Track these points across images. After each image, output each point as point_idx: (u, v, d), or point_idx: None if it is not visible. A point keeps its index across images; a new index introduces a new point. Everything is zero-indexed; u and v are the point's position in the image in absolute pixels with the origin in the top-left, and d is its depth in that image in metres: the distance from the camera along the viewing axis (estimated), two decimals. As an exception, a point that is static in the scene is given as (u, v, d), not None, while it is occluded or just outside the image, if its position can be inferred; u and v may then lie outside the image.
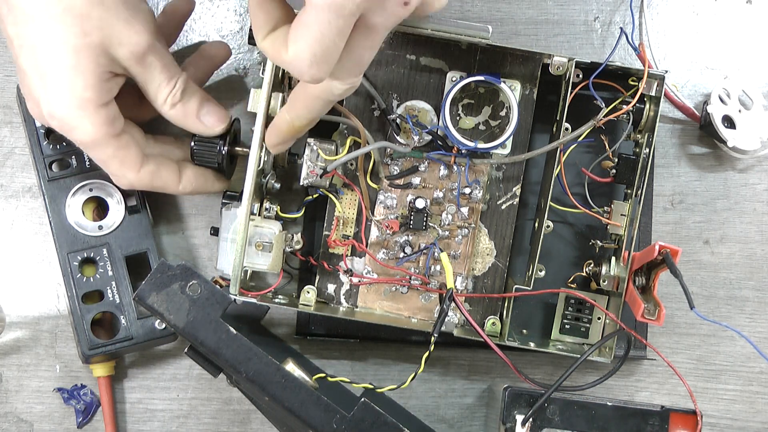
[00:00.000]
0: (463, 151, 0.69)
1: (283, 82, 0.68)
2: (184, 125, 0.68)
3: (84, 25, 0.61)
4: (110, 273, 0.71)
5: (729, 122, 0.76)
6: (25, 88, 0.64)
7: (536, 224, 0.71)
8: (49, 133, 0.71)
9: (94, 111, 0.63)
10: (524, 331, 0.73)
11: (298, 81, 0.62)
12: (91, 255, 0.71)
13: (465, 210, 0.71)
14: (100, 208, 0.73)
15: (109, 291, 0.71)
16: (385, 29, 0.55)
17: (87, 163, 0.72)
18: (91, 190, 0.72)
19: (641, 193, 0.68)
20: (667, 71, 0.69)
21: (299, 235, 0.69)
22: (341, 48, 0.54)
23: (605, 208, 0.70)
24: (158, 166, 0.67)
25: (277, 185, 0.70)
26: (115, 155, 0.65)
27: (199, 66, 0.72)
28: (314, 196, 0.71)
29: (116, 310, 0.71)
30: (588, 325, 0.72)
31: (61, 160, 0.72)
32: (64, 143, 0.71)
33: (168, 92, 0.66)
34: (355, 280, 0.71)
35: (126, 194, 0.72)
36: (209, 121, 0.68)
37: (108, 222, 0.72)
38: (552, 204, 0.69)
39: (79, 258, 0.71)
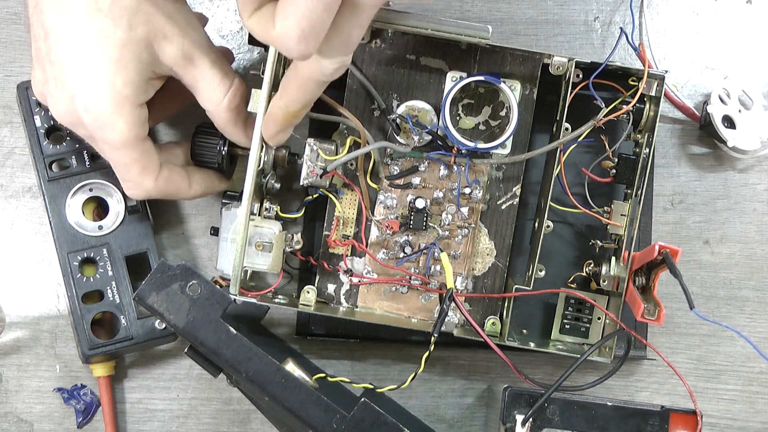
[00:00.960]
0: (463, 151, 0.69)
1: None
2: (230, 131, 0.67)
3: (131, 19, 0.61)
4: (110, 273, 0.71)
5: (729, 122, 0.76)
6: (56, 83, 0.63)
7: (536, 224, 0.71)
8: (49, 133, 0.71)
9: (130, 110, 0.62)
10: (524, 331, 0.73)
11: (289, 66, 0.62)
12: (91, 255, 0.71)
13: (465, 210, 0.71)
14: (100, 208, 0.73)
15: (109, 291, 0.71)
16: (372, 8, 0.55)
17: (87, 163, 0.72)
18: (91, 190, 0.72)
19: (641, 193, 0.68)
20: (667, 71, 0.69)
21: (299, 235, 0.69)
22: (329, 23, 0.54)
23: (605, 208, 0.70)
24: (170, 173, 0.67)
25: (277, 185, 0.70)
26: (139, 160, 0.64)
27: None
28: (314, 196, 0.71)
29: (116, 310, 0.71)
30: (588, 325, 0.72)
31: (61, 160, 0.72)
32: (64, 143, 0.71)
33: (225, 91, 0.64)
34: (355, 280, 0.71)
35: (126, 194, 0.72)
36: None
37: (108, 222, 0.72)
38: (552, 204, 0.69)
39: (79, 258, 0.71)
